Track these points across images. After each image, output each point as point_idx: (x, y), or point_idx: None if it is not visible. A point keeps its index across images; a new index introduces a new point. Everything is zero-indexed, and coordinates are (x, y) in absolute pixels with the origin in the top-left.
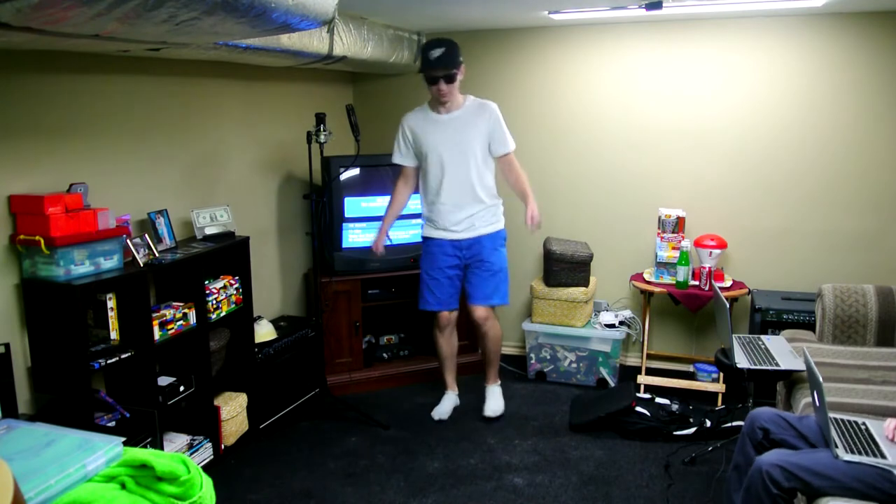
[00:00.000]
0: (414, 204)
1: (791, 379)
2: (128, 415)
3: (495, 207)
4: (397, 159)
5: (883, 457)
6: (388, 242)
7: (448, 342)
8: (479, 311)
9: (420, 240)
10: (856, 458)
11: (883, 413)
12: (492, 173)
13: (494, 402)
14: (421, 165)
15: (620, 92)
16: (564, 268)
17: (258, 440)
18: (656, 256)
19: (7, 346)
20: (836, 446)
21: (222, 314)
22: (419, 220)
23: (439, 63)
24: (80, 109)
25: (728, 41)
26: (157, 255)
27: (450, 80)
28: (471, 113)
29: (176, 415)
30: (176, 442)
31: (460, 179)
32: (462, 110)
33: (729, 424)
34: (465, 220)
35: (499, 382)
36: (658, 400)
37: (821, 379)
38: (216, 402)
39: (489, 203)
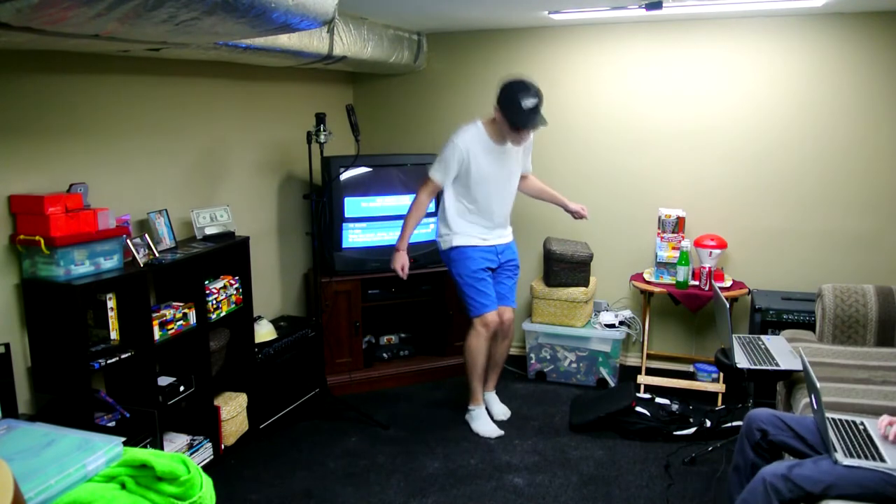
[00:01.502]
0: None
1: (791, 379)
2: (128, 415)
3: None
4: (441, 178)
5: (882, 460)
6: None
7: (488, 345)
8: (510, 314)
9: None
10: (855, 462)
11: (883, 413)
12: None
13: (500, 405)
14: (460, 181)
15: (620, 92)
16: (564, 268)
17: (258, 440)
18: (656, 256)
19: (7, 346)
20: (836, 450)
21: (222, 314)
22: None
23: (535, 115)
24: (80, 109)
25: (728, 41)
26: (157, 255)
27: (535, 127)
28: None
29: (176, 415)
30: (176, 442)
31: (506, 200)
32: None
33: (729, 424)
34: (505, 233)
35: None
36: (658, 400)
37: (817, 383)
38: (216, 402)
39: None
